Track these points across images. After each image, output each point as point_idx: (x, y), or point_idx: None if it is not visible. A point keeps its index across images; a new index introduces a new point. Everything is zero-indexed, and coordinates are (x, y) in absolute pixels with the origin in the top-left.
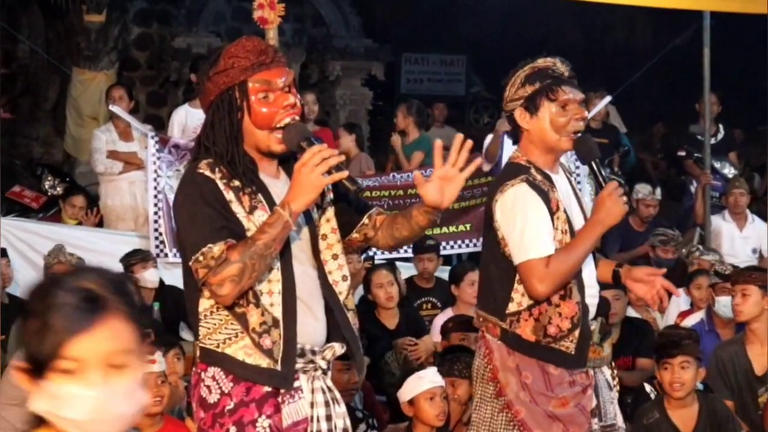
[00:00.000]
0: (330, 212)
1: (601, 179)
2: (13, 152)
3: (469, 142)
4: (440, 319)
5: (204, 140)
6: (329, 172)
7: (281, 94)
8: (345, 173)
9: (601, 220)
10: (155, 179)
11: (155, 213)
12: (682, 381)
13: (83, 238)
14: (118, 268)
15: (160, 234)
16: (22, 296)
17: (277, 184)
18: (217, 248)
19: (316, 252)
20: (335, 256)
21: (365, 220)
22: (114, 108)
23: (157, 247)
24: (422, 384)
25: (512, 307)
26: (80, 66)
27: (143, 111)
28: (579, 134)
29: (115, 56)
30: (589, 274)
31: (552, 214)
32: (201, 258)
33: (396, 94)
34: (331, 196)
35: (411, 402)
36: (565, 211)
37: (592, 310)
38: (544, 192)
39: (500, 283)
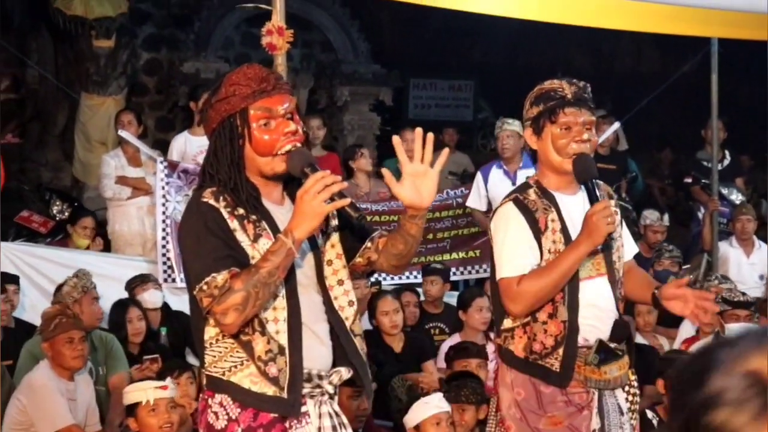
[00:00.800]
0: (335, 238)
1: (594, 199)
2: (21, 177)
3: (431, 135)
4: (447, 345)
5: (207, 168)
6: (332, 199)
7: (282, 121)
8: (347, 200)
9: (582, 240)
10: (164, 204)
11: (163, 238)
12: None
13: (91, 263)
14: (125, 294)
15: (168, 259)
16: (29, 321)
17: (281, 211)
18: (221, 277)
19: (321, 278)
20: (341, 282)
21: (368, 243)
22: (122, 133)
23: (165, 272)
24: (428, 409)
25: (507, 323)
26: (89, 91)
27: (152, 136)
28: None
29: (124, 81)
30: (596, 296)
31: (539, 233)
32: (205, 287)
33: (404, 119)
34: (335, 222)
35: (417, 428)
36: (562, 232)
37: (595, 332)
38: (531, 211)
39: (498, 299)
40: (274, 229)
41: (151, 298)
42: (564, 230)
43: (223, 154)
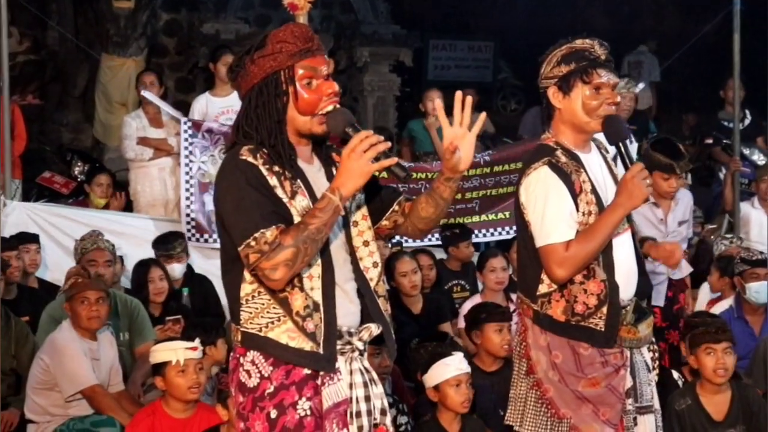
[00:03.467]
0: (360, 199)
1: (627, 161)
2: (42, 138)
3: (469, 99)
4: (468, 305)
5: (245, 125)
6: (377, 159)
7: (324, 82)
8: (394, 159)
9: (622, 203)
10: (187, 164)
11: (187, 198)
12: (726, 366)
13: (114, 221)
14: (148, 252)
15: (192, 219)
16: (52, 280)
17: (312, 170)
18: (270, 233)
19: (348, 238)
20: (366, 243)
21: (395, 206)
22: (146, 93)
23: (189, 231)
24: (448, 371)
25: (543, 289)
26: (109, 52)
27: (172, 97)
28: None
29: (144, 42)
30: (625, 253)
31: (575, 196)
32: (253, 243)
33: (423, 80)
34: None
35: (436, 388)
36: (593, 192)
37: (629, 290)
38: (567, 174)
39: (531, 265)
40: (308, 186)
41: (174, 272)
42: (594, 190)
43: (266, 111)
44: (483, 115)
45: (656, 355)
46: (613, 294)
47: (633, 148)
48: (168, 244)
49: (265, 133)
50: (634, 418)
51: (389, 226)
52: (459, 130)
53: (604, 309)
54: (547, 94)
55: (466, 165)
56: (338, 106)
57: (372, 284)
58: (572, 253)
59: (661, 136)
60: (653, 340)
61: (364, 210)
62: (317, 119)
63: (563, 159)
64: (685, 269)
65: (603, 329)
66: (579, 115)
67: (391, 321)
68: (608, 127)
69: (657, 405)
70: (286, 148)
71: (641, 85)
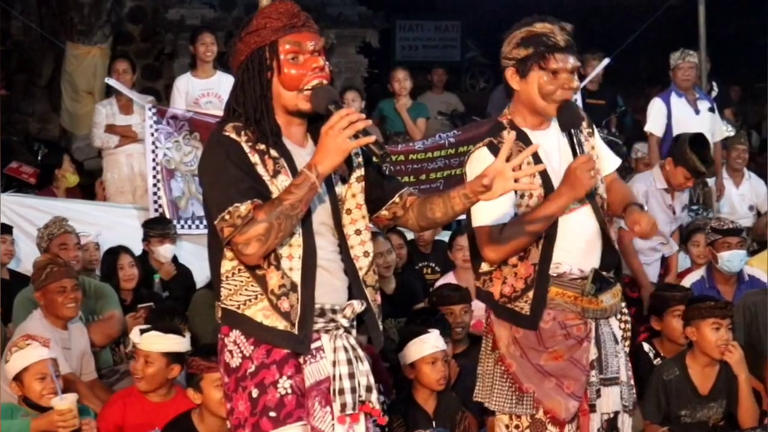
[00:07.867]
0: (356, 188)
1: (577, 149)
2: (9, 129)
3: (535, 146)
4: (440, 284)
5: (233, 103)
6: (356, 136)
7: (310, 57)
8: (372, 138)
9: (564, 192)
10: (153, 151)
11: (154, 185)
12: (729, 341)
13: (81, 211)
14: (117, 240)
15: (160, 206)
16: (24, 272)
17: (302, 153)
18: (244, 207)
19: (338, 225)
20: (358, 232)
21: (396, 198)
22: (110, 81)
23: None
24: (425, 348)
25: (485, 267)
26: (74, 41)
27: (139, 84)
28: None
29: (109, 30)
30: (580, 227)
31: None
32: (227, 217)
33: (391, 61)
34: (360, 172)
35: (412, 365)
36: (540, 173)
37: (589, 261)
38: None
39: (475, 243)
40: (293, 168)
41: (165, 252)
42: (543, 171)
43: (251, 87)
44: (540, 166)
45: (627, 326)
46: (541, 279)
47: (596, 136)
48: (163, 224)
49: (250, 109)
50: (598, 390)
51: (388, 217)
52: (507, 170)
53: (530, 294)
54: (506, 75)
55: (492, 198)
56: (324, 81)
57: (361, 273)
58: (506, 236)
59: (700, 134)
60: (624, 310)
61: (360, 199)
62: (303, 95)
63: None
64: (674, 246)
65: (528, 313)
66: (535, 99)
67: (380, 312)
68: (562, 114)
69: (624, 377)
70: (271, 124)
71: (605, 61)
